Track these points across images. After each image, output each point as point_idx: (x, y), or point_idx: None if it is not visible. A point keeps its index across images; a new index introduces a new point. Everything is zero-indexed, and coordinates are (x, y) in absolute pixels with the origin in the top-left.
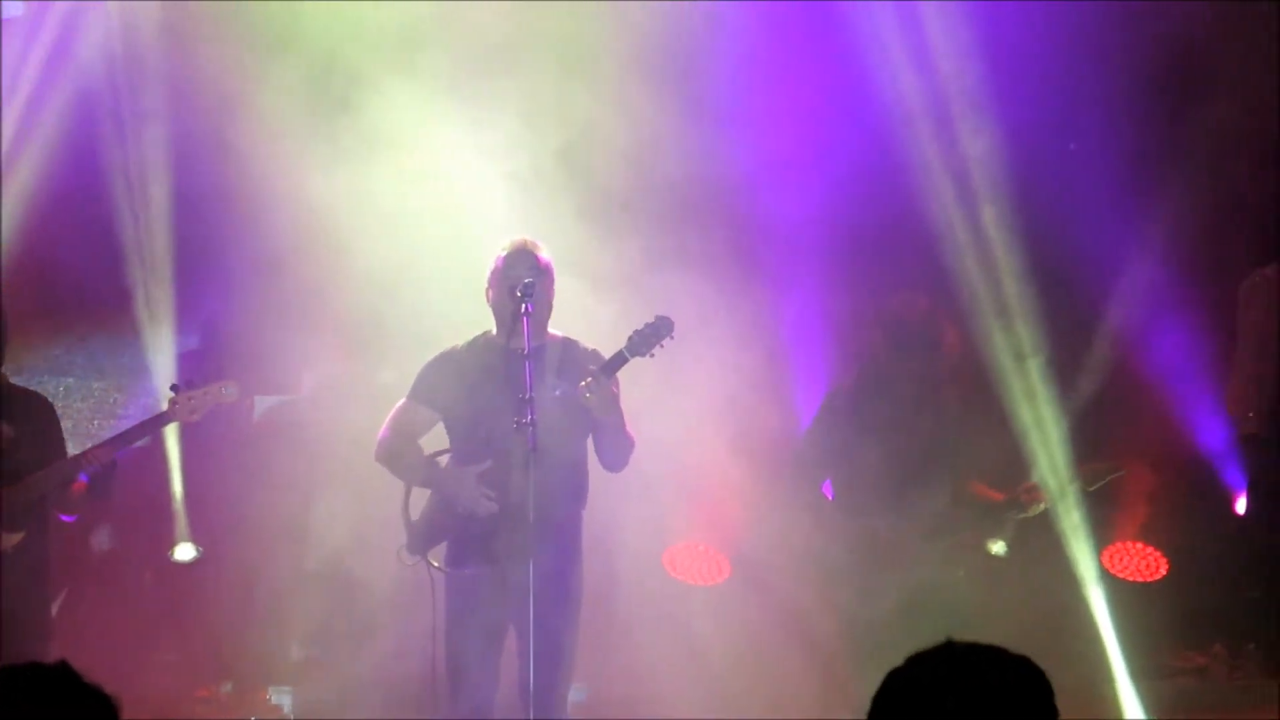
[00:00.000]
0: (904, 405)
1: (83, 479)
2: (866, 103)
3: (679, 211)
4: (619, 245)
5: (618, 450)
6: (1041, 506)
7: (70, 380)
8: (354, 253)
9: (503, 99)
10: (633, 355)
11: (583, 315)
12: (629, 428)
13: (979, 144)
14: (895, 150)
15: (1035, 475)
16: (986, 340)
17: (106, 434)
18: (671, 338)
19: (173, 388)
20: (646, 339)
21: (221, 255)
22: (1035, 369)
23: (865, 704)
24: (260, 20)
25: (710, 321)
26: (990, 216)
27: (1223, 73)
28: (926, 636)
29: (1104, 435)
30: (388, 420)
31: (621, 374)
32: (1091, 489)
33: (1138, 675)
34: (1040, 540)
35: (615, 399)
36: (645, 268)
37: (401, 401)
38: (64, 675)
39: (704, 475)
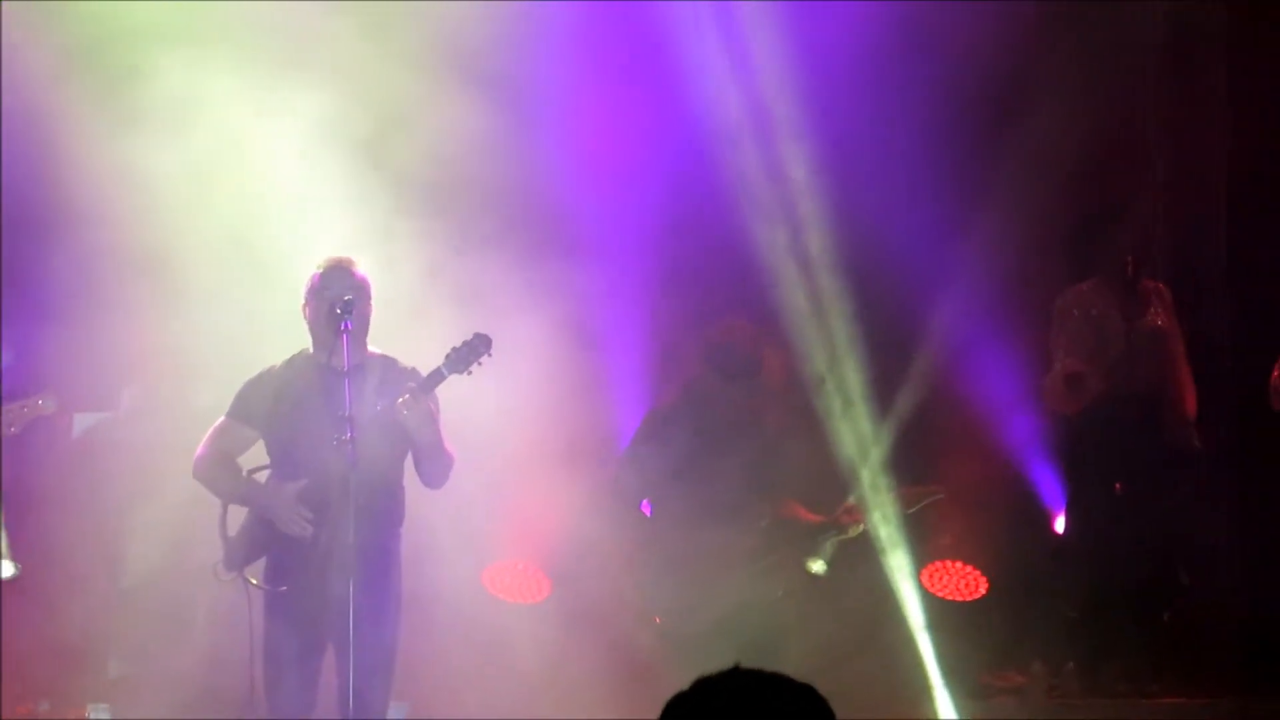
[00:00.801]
0: (726, 427)
1: None
2: (687, 115)
3: (489, 212)
4: (429, 244)
5: (436, 468)
6: (860, 528)
7: None
8: (169, 267)
9: (310, 87)
10: (451, 372)
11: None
12: (448, 445)
13: (799, 164)
14: (714, 167)
15: (854, 497)
16: (805, 363)
17: None
18: (489, 355)
19: None
20: (464, 356)
21: (34, 269)
22: (843, 389)
23: None
24: None
25: (528, 331)
26: (810, 237)
27: (1037, 91)
28: (745, 654)
29: (925, 455)
30: (206, 438)
31: (441, 390)
32: (911, 511)
33: (956, 695)
34: (860, 560)
35: (432, 417)
36: (452, 265)
37: (220, 420)
38: None
39: (524, 492)
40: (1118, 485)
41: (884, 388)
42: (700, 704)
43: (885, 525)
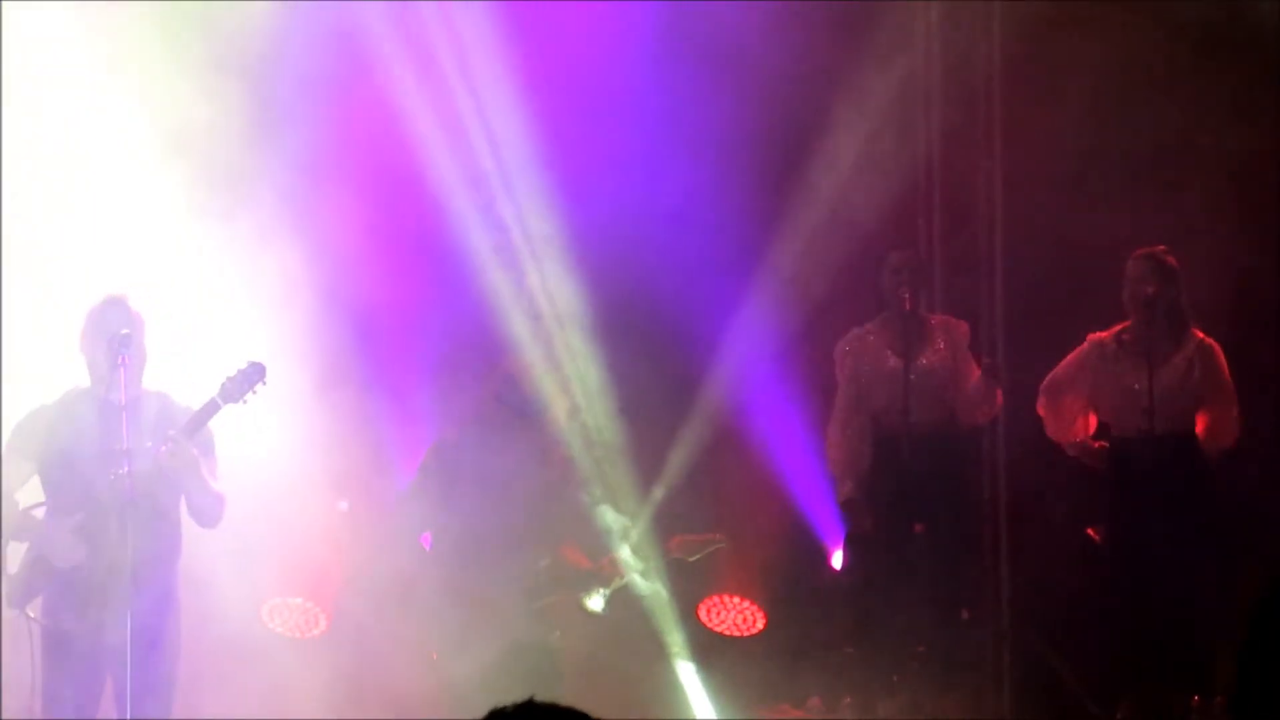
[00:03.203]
0: (510, 463)
1: None
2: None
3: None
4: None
5: (205, 509)
6: (622, 580)
7: None
8: None
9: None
10: (225, 402)
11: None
12: (216, 486)
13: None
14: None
15: (616, 549)
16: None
17: None
18: (264, 383)
19: None
20: (239, 385)
21: None
22: (602, 446)
23: None
24: None
25: (302, 359)
26: (581, 284)
27: (821, 131)
28: (519, 693)
29: (707, 496)
30: None
31: (216, 423)
32: (692, 559)
33: None
34: (637, 600)
35: (195, 462)
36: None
37: None
38: None
39: (301, 527)
40: (916, 526)
41: (661, 438)
42: None
43: (648, 580)
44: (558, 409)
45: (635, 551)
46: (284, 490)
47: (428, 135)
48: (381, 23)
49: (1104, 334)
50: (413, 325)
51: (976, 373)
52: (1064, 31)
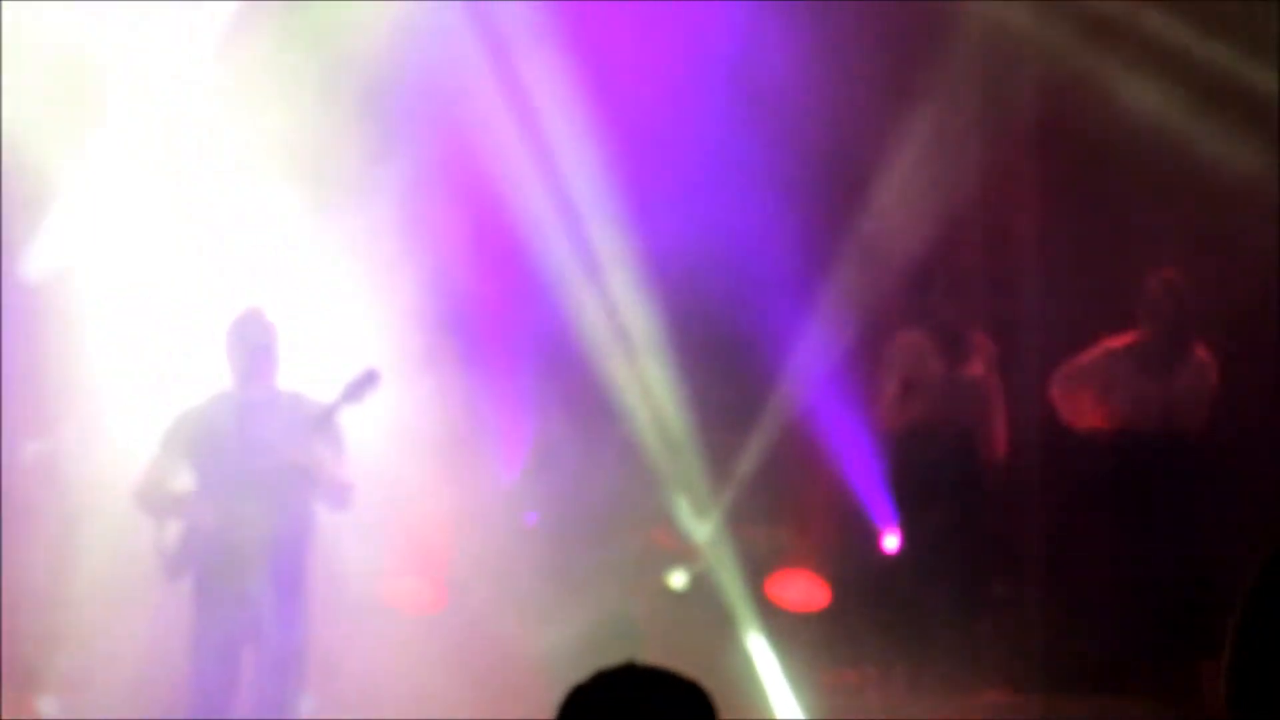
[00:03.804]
0: (604, 460)
1: None
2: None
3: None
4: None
5: (334, 498)
6: (700, 562)
7: None
8: (119, 307)
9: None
10: (346, 403)
11: None
12: (345, 477)
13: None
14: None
15: (695, 534)
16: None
17: None
18: (378, 387)
19: None
20: (358, 388)
21: None
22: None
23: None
24: None
25: (413, 359)
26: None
27: (881, 173)
28: (614, 660)
29: (782, 487)
30: (142, 468)
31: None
32: (760, 539)
33: (799, 692)
34: (713, 579)
35: (323, 457)
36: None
37: (153, 451)
38: None
39: (421, 512)
40: (938, 509)
41: (733, 440)
42: (600, 692)
43: (723, 563)
44: (639, 414)
45: (711, 537)
46: (402, 480)
47: (519, 158)
48: (479, 54)
49: (1118, 342)
50: (509, 329)
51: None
52: (1098, 86)
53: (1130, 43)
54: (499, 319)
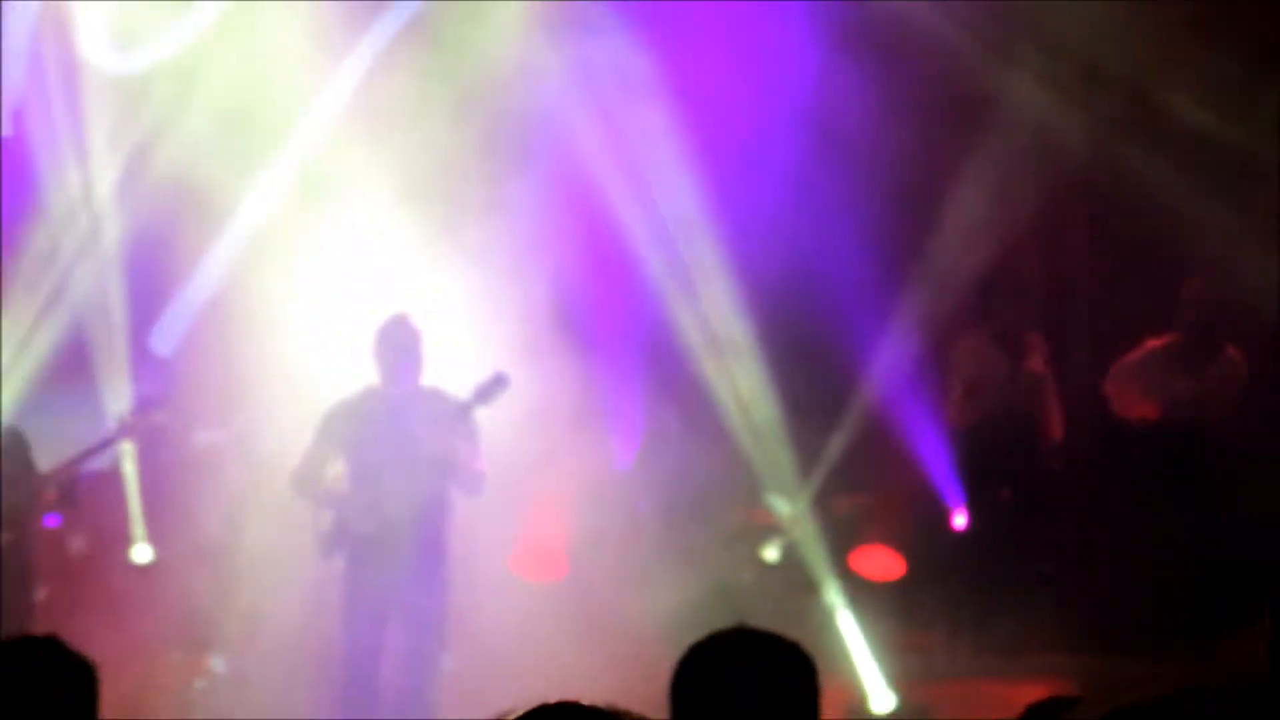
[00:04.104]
0: (711, 445)
1: (53, 491)
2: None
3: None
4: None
5: (469, 484)
6: (791, 536)
7: (51, 419)
8: (282, 314)
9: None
10: (478, 403)
11: None
12: (479, 465)
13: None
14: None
15: (798, 507)
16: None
17: (70, 454)
18: (507, 389)
19: (119, 417)
20: (488, 390)
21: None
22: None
23: (664, 675)
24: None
25: (530, 358)
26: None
27: (943, 193)
28: (721, 623)
29: (866, 471)
30: (300, 456)
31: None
32: (843, 516)
33: (877, 651)
34: (802, 552)
35: (459, 450)
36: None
37: (309, 440)
38: (53, 642)
39: (548, 499)
40: (1002, 492)
41: (819, 432)
42: (716, 649)
43: (810, 539)
44: (734, 409)
45: (800, 516)
46: (528, 461)
47: (627, 184)
48: (591, 92)
49: (1158, 342)
50: (619, 331)
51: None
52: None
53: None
54: (610, 322)
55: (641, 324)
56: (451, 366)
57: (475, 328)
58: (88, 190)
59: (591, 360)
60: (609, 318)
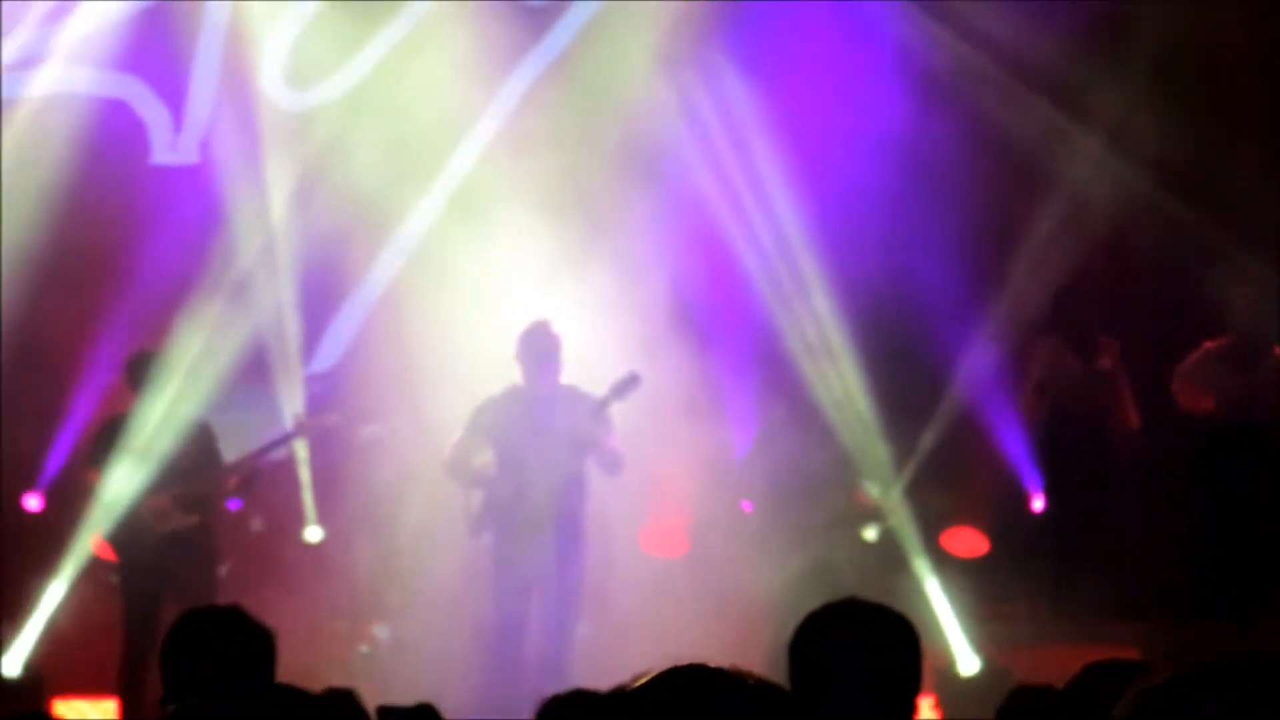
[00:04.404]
0: (816, 435)
1: (236, 478)
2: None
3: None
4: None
5: (609, 466)
6: (888, 518)
7: (233, 415)
8: (436, 321)
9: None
10: (613, 400)
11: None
12: (617, 446)
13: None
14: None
15: (893, 492)
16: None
17: (251, 448)
18: (639, 387)
19: (295, 416)
20: (623, 388)
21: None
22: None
23: (777, 641)
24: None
25: (654, 355)
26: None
27: (1022, 213)
28: (825, 596)
29: (954, 461)
30: (451, 445)
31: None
32: (934, 502)
33: (965, 621)
34: (897, 532)
35: (598, 435)
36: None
37: (460, 432)
38: (236, 612)
39: (671, 484)
40: (1076, 478)
41: (912, 426)
42: (832, 616)
43: (904, 521)
44: (836, 404)
45: (896, 500)
46: (658, 456)
47: (740, 202)
48: (711, 121)
49: (1213, 344)
50: (734, 335)
51: (1126, 385)
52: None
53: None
54: (724, 326)
55: (751, 328)
56: (587, 361)
57: (606, 325)
58: (265, 211)
59: (708, 358)
60: (723, 322)
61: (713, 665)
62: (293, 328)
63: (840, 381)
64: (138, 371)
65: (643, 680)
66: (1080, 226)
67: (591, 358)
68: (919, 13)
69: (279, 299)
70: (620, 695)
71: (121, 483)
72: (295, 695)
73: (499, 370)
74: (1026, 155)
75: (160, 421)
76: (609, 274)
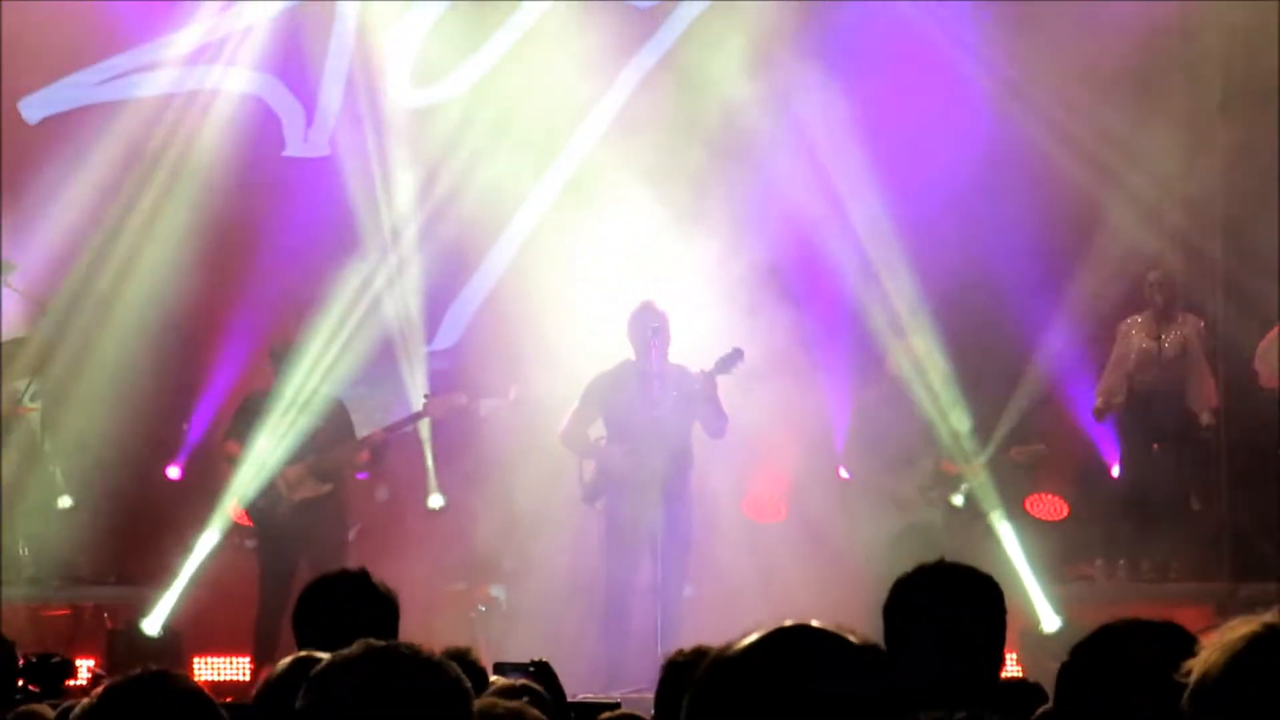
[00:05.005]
0: (906, 410)
1: (366, 451)
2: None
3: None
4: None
5: (717, 424)
6: (974, 483)
7: (362, 390)
8: (551, 300)
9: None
10: (718, 373)
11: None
12: (725, 408)
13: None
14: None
15: (978, 460)
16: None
17: (381, 424)
18: (742, 362)
19: (425, 396)
20: (727, 362)
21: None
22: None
23: (873, 600)
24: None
25: (754, 330)
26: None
27: (1103, 201)
28: (916, 558)
29: (1037, 431)
30: (566, 417)
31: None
32: (1024, 463)
33: (1045, 581)
34: (982, 497)
35: (711, 398)
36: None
37: (575, 405)
38: (364, 576)
39: (772, 452)
40: (1155, 446)
41: (1007, 387)
42: (922, 578)
43: (991, 488)
44: (922, 381)
45: (983, 467)
46: (758, 428)
47: (826, 190)
48: (792, 112)
49: None
50: (826, 309)
51: (1205, 363)
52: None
53: None
54: (820, 300)
55: (843, 305)
56: (692, 326)
57: (709, 292)
58: (390, 200)
59: (804, 328)
60: (817, 296)
61: (817, 625)
62: (416, 308)
63: (928, 357)
64: (280, 355)
65: (750, 639)
66: (1158, 218)
67: (696, 323)
68: (998, 17)
69: (403, 284)
70: (729, 654)
71: (260, 454)
72: (415, 652)
73: (611, 346)
74: (1102, 149)
75: (299, 398)
76: (710, 247)
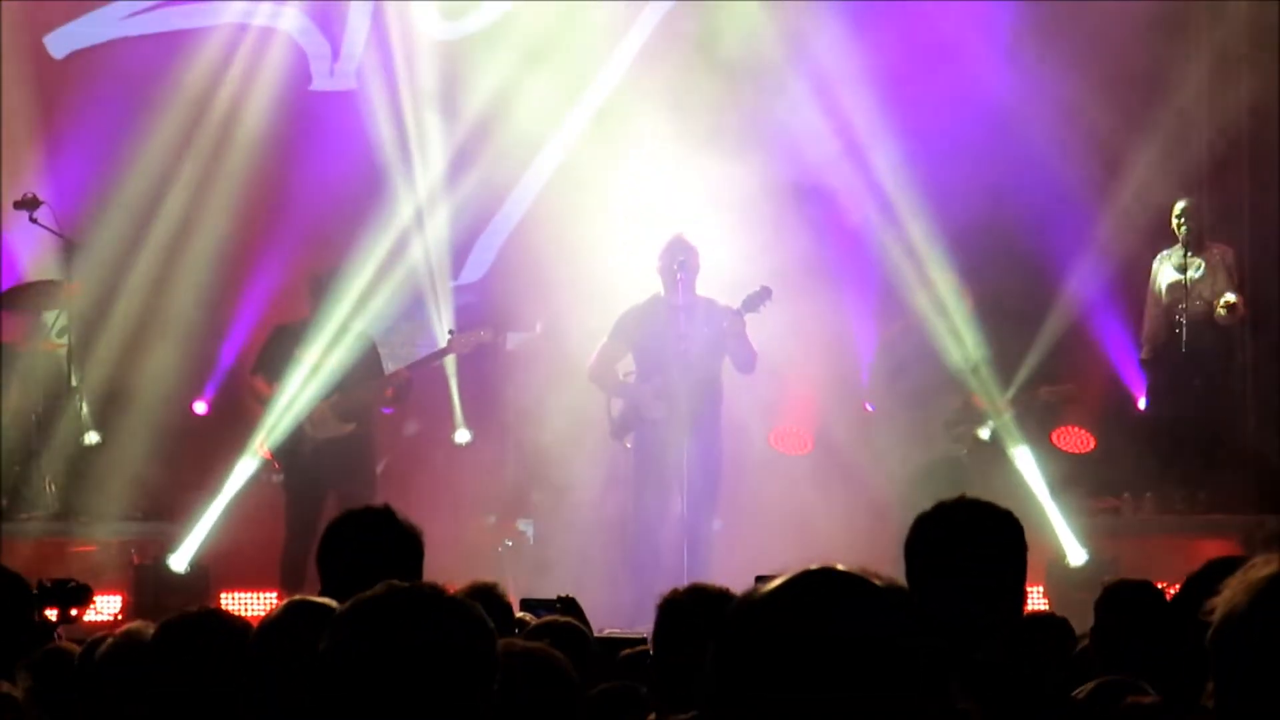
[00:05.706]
0: (929, 346)
1: (391, 389)
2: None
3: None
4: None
5: (746, 362)
6: (1000, 417)
7: (390, 325)
8: (578, 232)
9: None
10: (746, 312)
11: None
12: (754, 345)
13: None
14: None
15: (1005, 397)
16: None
17: (406, 360)
18: (770, 301)
19: (450, 331)
20: (755, 300)
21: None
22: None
23: (899, 533)
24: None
25: (791, 284)
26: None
27: (1133, 149)
28: (942, 491)
29: (1064, 365)
30: (595, 352)
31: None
32: (1053, 401)
33: (1070, 514)
34: (1008, 432)
35: (741, 334)
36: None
37: (603, 340)
38: (388, 512)
39: (799, 386)
40: (1194, 381)
41: (1035, 323)
42: (942, 515)
43: (1017, 421)
44: (946, 321)
45: (1009, 401)
46: (787, 362)
47: (851, 148)
48: (809, 64)
49: None
50: (854, 268)
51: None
52: None
53: None
54: (845, 255)
55: (866, 240)
56: (715, 241)
57: (733, 209)
58: (417, 134)
59: (828, 258)
60: (840, 233)
61: (841, 568)
62: (443, 243)
63: (949, 294)
64: (324, 283)
65: (772, 585)
66: (1183, 153)
67: (719, 239)
68: None
69: (432, 216)
70: (749, 601)
71: (288, 391)
72: (438, 594)
73: (640, 280)
74: (1128, 90)
75: (330, 335)
76: (733, 169)
